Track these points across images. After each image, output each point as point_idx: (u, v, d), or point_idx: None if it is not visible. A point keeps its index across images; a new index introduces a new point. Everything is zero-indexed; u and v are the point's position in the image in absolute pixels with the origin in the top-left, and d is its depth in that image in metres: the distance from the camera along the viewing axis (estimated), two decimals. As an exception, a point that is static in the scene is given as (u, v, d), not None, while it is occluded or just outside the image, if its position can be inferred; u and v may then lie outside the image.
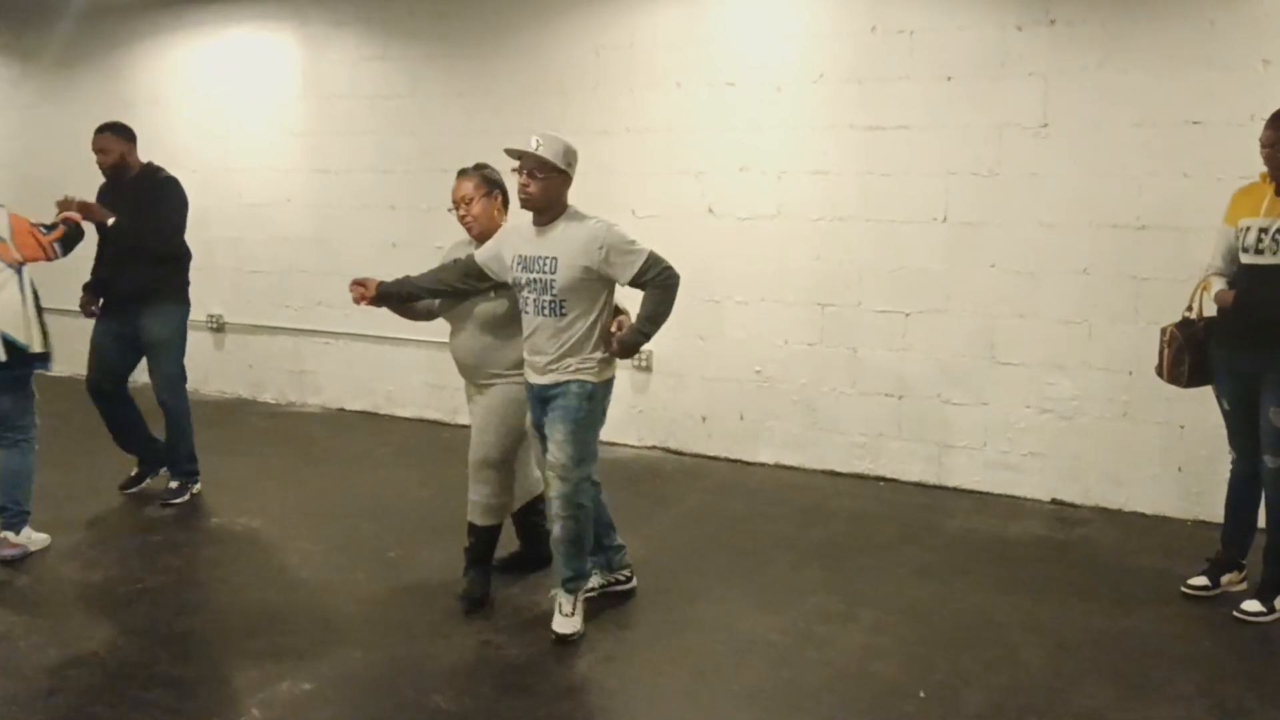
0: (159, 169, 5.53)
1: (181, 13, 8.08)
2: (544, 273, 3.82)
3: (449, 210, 4.28)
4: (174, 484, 5.63)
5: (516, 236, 3.96)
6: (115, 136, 5.41)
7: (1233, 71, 5.09)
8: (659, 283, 3.87)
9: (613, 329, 3.91)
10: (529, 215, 3.92)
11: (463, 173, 4.24)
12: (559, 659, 3.86)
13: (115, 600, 4.36)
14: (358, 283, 4.19)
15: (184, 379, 5.61)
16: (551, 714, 3.49)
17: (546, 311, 3.85)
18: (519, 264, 3.89)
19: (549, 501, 4.01)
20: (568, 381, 3.88)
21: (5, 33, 8.94)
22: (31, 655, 3.84)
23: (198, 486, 5.69)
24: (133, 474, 5.78)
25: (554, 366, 3.88)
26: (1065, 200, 5.50)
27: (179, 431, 5.61)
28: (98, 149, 5.39)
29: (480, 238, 4.17)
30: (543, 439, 4.01)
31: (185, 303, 5.60)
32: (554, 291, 3.82)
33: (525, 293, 3.89)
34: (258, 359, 8.19)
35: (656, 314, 3.89)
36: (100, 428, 5.68)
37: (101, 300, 5.54)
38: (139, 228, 5.29)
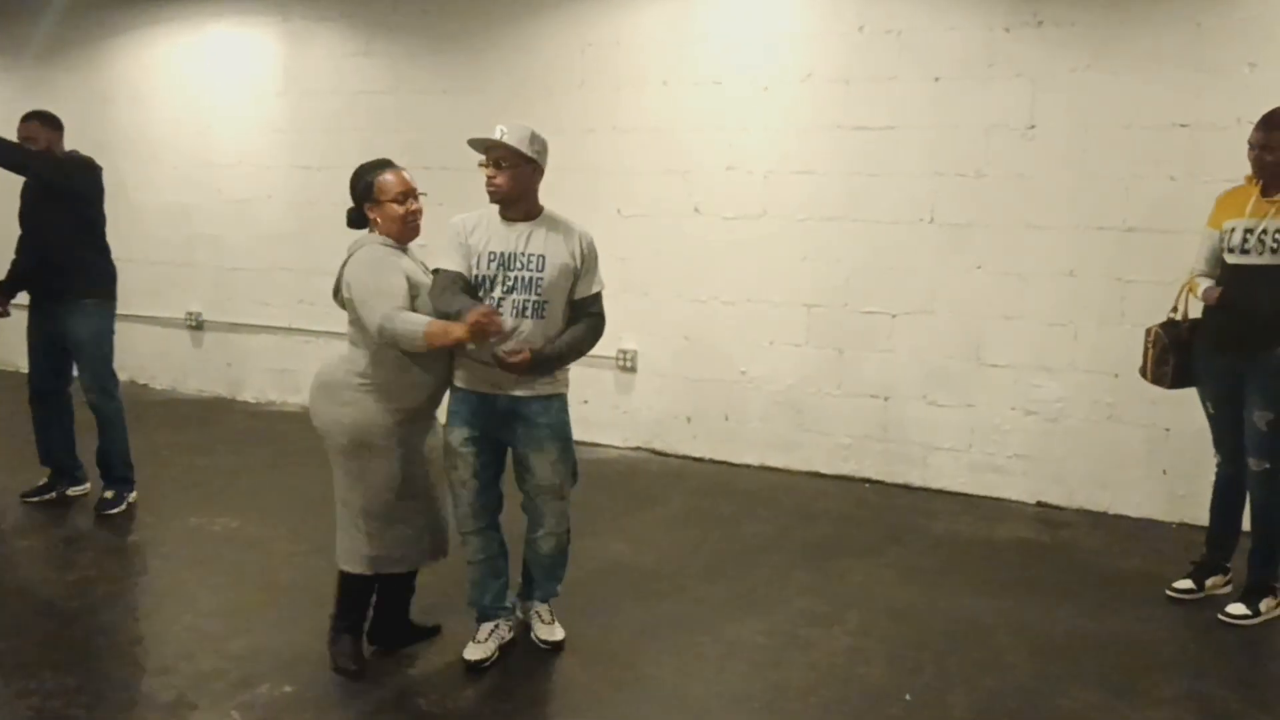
0: (79, 155, 5.27)
1: (162, 8, 8.00)
2: (530, 271, 3.60)
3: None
4: (108, 493, 5.31)
5: (484, 231, 3.64)
6: (42, 125, 5.13)
7: (1219, 74, 5.09)
8: (597, 316, 3.73)
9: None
10: (488, 209, 3.68)
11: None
12: (541, 661, 3.82)
13: (94, 601, 4.29)
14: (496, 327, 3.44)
15: (114, 380, 5.32)
16: (535, 716, 3.45)
17: (529, 313, 3.58)
18: (492, 261, 3.61)
19: (542, 520, 3.79)
20: (551, 396, 3.68)
21: (-17, 26, 8.85)
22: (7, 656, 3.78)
23: (134, 495, 5.38)
24: (40, 483, 5.48)
25: (535, 377, 3.62)
26: (1052, 202, 5.50)
27: (111, 436, 5.29)
28: (24, 136, 5.08)
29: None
30: (482, 454, 3.69)
31: (109, 298, 5.31)
32: (539, 291, 3.59)
33: (498, 291, 3.59)
34: (237, 357, 8.11)
35: (578, 346, 3.67)
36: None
37: (29, 297, 5.28)
38: (32, 159, 5.01)
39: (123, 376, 5.49)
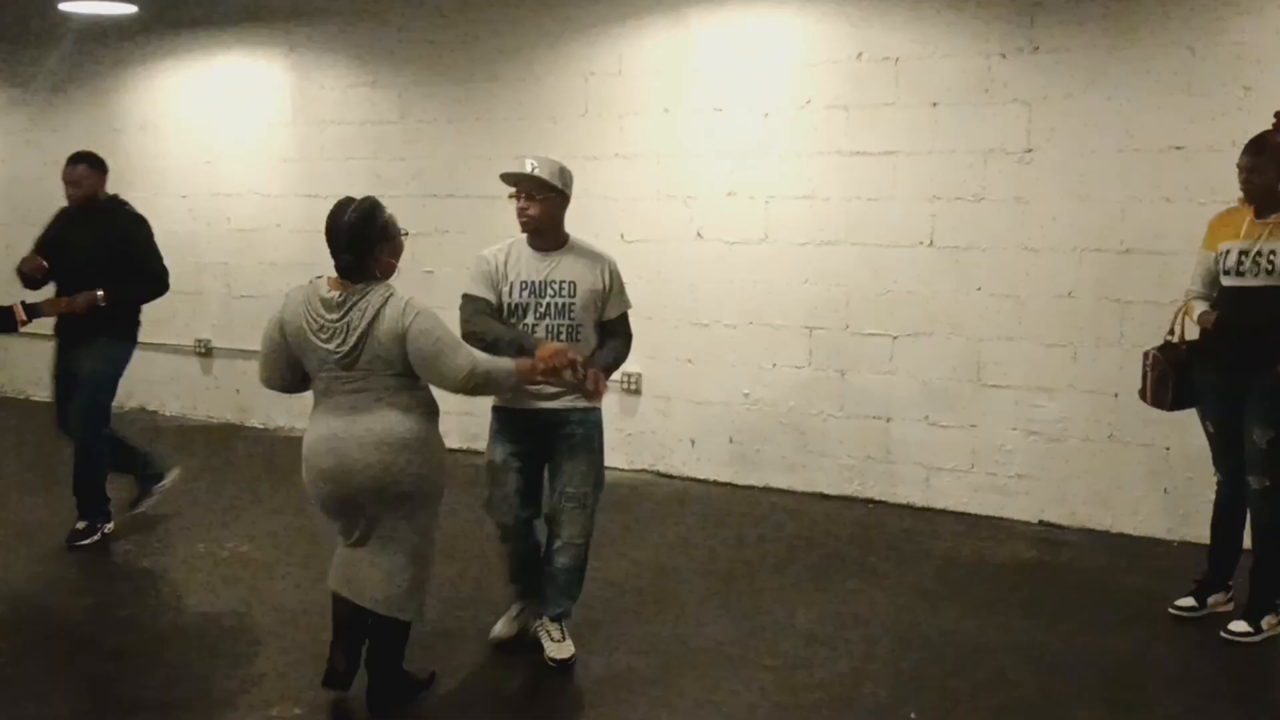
0: (124, 203, 5.40)
1: (172, 40, 8.11)
2: (563, 297, 3.81)
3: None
4: (81, 524, 5.24)
5: (515, 262, 3.84)
6: (90, 169, 5.25)
7: (1213, 98, 5.16)
8: (626, 333, 4.01)
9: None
10: (519, 239, 3.89)
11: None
12: (553, 684, 3.85)
13: (107, 625, 4.34)
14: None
15: (105, 417, 5.30)
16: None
17: (563, 336, 3.79)
18: (525, 289, 3.80)
19: (561, 529, 3.88)
20: (589, 409, 3.88)
21: (-4, 59, 8.97)
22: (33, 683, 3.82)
23: (110, 526, 5.35)
24: (79, 526, 5.31)
25: (570, 391, 3.82)
26: (1050, 225, 5.56)
27: (89, 468, 5.25)
28: (71, 180, 5.20)
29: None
30: (526, 469, 3.90)
31: (130, 340, 5.40)
32: (572, 316, 3.82)
33: (531, 318, 3.80)
34: (246, 384, 8.15)
35: (618, 360, 3.97)
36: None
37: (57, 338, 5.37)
38: (139, 289, 5.25)
39: (132, 403, 5.58)
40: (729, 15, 6.24)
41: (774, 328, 6.26)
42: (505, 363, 3.48)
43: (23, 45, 8.65)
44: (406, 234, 3.51)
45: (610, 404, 6.97)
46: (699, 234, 6.42)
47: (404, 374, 3.33)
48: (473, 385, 3.35)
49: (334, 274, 3.35)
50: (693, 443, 6.58)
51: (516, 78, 6.88)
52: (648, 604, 4.57)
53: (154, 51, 8.23)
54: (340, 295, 3.29)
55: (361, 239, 3.32)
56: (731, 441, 6.47)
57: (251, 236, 8.00)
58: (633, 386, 6.66)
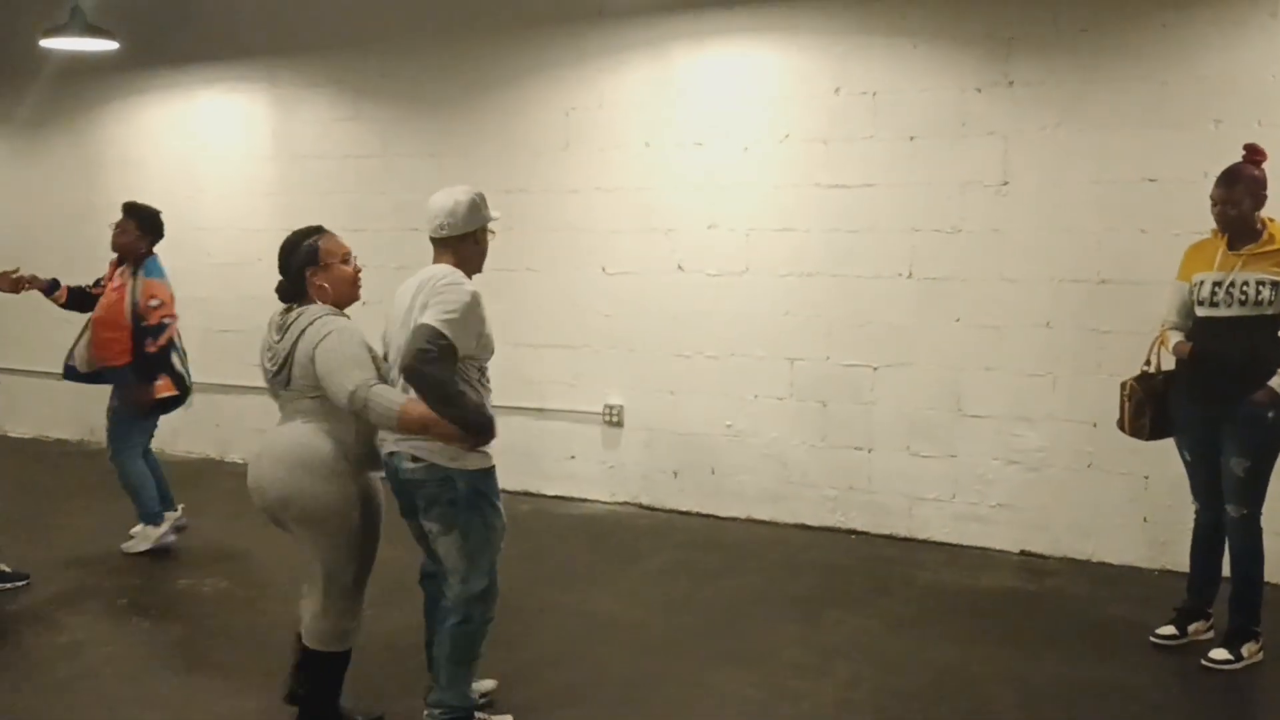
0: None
1: (153, 74, 8.13)
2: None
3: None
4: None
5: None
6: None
7: (1186, 131, 5.25)
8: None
9: None
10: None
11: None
12: (536, 716, 3.83)
13: (83, 665, 4.29)
14: None
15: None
16: (526, 773, 3.47)
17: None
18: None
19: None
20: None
21: (-25, 94, 8.96)
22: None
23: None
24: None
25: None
26: (1027, 256, 5.62)
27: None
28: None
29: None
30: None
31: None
32: None
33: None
34: (225, 418, 8.13)
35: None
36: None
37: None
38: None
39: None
40: (709, 50, 6.31)
41: (755, 359, 6.29)
42: (393, 396, 3.29)
43: (4, 80, 8.66)
44: (355, 262, 3.60)
45: (593, 436, 7.03)
46: (680, 266, 6.45)
47: (323, 397, 3.38)
48: (355, 408, 3.28)
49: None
50: (675, 474, 6.59)
51: (498, 112, 6.92)
52: (630, 636, 4.56)
53: (135, 86, 8.25)
54: (282, 319, 3.49)
55: (289, 264, 3.54)
56: (714, 473, 6.47)
57: (232, 271, 7.98)
58: (615, 419, 6.67)
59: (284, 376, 3.43)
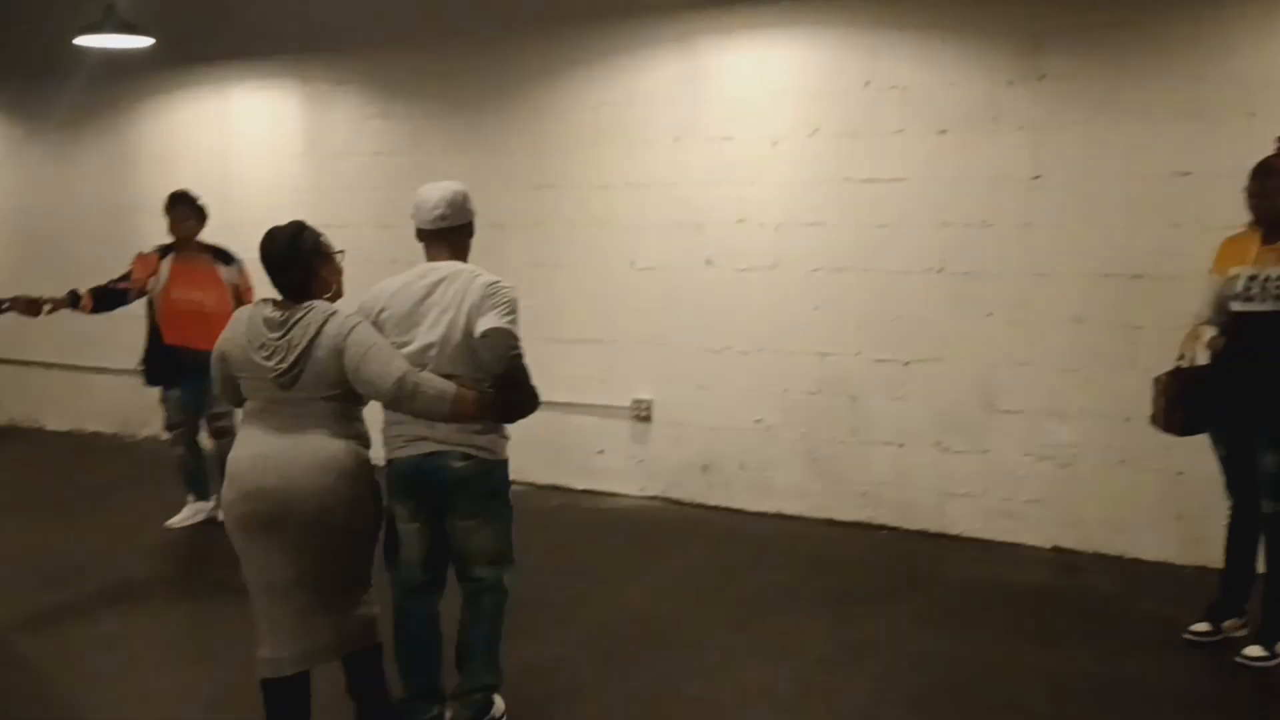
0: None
1: (186, 73, 8.21)
2: None
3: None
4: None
5: None
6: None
7: (1219, 123, 5.20)
8: None
9: None
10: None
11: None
12: (564, 712, 3.85)
13: (125, 656, 4.35)
14: None
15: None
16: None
17: None
18: None
19: None
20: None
21: (12, 92, 9.07)
22: None
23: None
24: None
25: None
26: (1059, 250, 5.59)
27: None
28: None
29: None
30: None
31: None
32: None
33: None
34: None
35: None
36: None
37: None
38: None
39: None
40: (738, 44, 6.31)
41: (785, 354, 6.29)
42: (441, 383, 3.25)
43: (39, 79, 8.76)
44: (342, 253, 3.48)
45: (622, 431, 7.05)
46: (709, 261, 6.46)
47: (342, 398, 3.25)
48: (404, 395, 3.20)
49: (278, 296, 3.34)
50: (705, 469, 6.60)
51: (527, 108, 6.95)
52: (661, 631, 4.58)
53: (168, 84, 8.33)
54: (282, 315, 3.26)
55: (294, 260, 3.33)
56: (743, 468, 6.48)
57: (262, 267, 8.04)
58: (644, 413, 6.69)
59: (291, 375, 3.21)
